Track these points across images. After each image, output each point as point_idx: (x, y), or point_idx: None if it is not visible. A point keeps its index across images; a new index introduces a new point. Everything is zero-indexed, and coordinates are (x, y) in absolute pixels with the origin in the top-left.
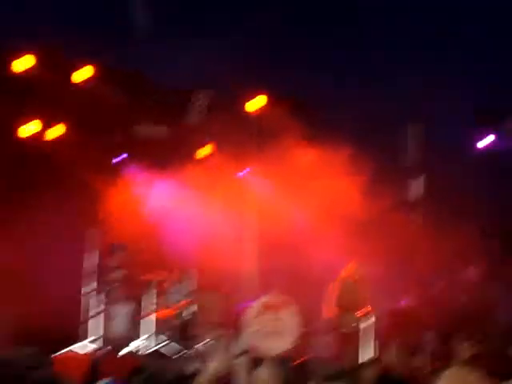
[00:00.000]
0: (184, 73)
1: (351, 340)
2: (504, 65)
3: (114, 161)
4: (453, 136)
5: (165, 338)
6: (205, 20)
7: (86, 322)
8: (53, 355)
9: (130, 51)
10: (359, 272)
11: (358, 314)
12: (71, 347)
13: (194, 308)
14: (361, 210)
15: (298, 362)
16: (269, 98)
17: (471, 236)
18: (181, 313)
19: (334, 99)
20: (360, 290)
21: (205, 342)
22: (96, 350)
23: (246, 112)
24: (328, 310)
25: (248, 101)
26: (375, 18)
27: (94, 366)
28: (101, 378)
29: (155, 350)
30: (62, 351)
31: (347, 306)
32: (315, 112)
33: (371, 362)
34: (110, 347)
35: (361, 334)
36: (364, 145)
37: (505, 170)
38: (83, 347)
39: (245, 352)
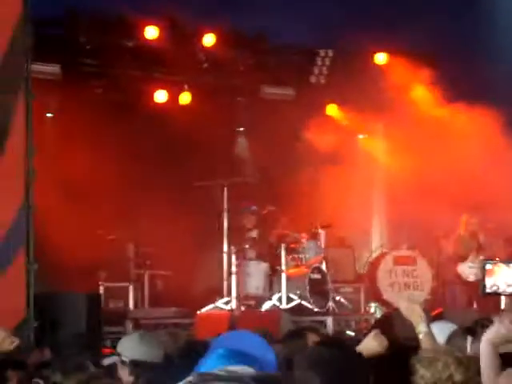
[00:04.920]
0: (306, 32)
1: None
2: None
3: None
4: None
5: (300, 295)
6: None
7: (224, 280)
8: (194, 314)
9: (251, 14)
10: (473, 224)
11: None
12: (211, 306)
13: (325, 265)
14: (484, 161)
15: (434, 313)
16: (391, 52)
17: None
18: (314, 269)
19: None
20: (475, 242)
21: (337, 298)
22: (234, 308)
23: (371, 69)
24: (450, 262)
25: (372, 56)
26: None
27: (233, 323)
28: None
29: (297, 305)
30: (203, 310)
31: (466, 258)
32: (439, 65)
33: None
34: (248, 305)
35: None
36: (489, 96)
37: None
38: (222, 305)
39: None
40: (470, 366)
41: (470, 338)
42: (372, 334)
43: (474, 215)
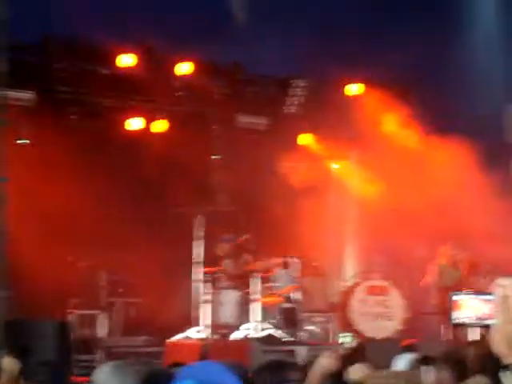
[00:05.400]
0: (281, 62)
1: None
2: None
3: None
4: None
5: (271, 324)
6: (297, 9)
7: (195, 309)
8: (164, 342)
9: (227, 44)
10: (455, 254)
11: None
12: (182, 334)
13: (299, 294)
14: (460, 191)
15: (405, 343)
16: (366, 84)
17: None
18: (286, 299)
19: (433, 83)
20: (457, 273)
21: (310, 327)
22: (206, 337)
23: (345, 99)
24: (430, 293)
25: (345, 87)
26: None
27: (205, 352)
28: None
29: (268, 335)
30: (173, 338)
31: (447, 289)
32: (414, 97)
33: (477, 341)
34: (219, 334)
35: None
36: (463, 126)
37: None
38: (193, 334)
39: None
40: None
41: (425, 368)
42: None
43: (453, 246)
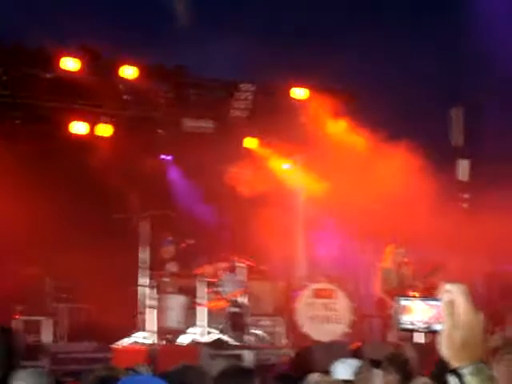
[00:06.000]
0: (227, 66)
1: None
2: None
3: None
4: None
5: (218, 328)
6: (244, 12)
7: (141, 314)
8: (110, 347)
9: (173, 48)
10: (400, 255)
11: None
12: (129, 340)
13: (246, 298)
14: (405, 193)
15: (353, 346)
16: (311, 87)
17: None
18: (233, 303)
19: (376, 86)
20: (402, 275)
21: (257, 331)
22: (153, 342)
23: (291, 103)
24: (376, 295)
25: (291, 91)
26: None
27: (152, 357)
28: (158, 369)
29: (215, 339)
30: (120, 344)
31: (392, 291)
32: (358, 100)
33: (423, 345)
34: (166, 339)
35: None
36: (408, 130)
37: None
38: (140, 339)
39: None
40: None
41: (377, 371)
42: None
43: (398, 247)
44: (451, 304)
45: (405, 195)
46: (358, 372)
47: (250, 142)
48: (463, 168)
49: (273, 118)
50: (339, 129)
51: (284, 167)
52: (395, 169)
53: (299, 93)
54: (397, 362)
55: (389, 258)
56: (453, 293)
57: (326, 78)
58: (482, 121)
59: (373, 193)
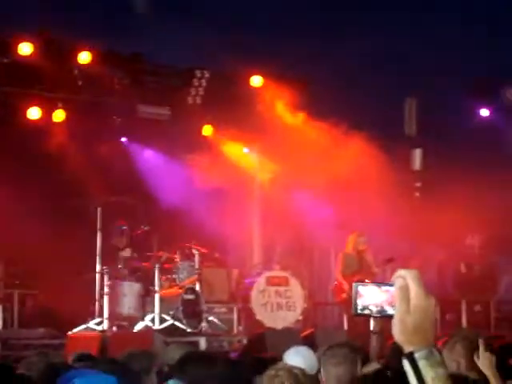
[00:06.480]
0: (184, 54)
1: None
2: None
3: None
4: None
5: (173, 315)
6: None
7: (95, 301)
8: (65, 334)
9: (128, 34)
10: (361, 243)
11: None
12: (83, 326)
13: (200, 285)
14: (362, 181)
15: (305, 333)
16: (266, 75)
17: (470, 206)
18: (188, 290)
19: (331, 74)
20: (362, 261)
21: (211, 318)
22: (106, 329)
23: (248, 90)
24: (334, 281)
25: (247, 78)
26: None
27: (105, 343)
28: (111, 356)
29: (169, 326)
30: (74, 330)
31: (351, 277)
32: (313, 88)
33: (378, 331)
34: (120, 325)
35: None
36: (364, 118)
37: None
38: (94, 326)
39: None
40: (306, 381)
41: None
42: None
43: (361, 234)
44: (404, 289)
45: (359, 184)
46: (308, 360)
47: (208, 130)
48: (416, 157)
49: (228, 104)
50: (294, 117)
51: (240, 154)
52: (350, 157)
53: (255, 80)
54: (353, 349)
55: (350, 244)
56: (405, 278)
57: (281, 65)
58: (434, 110)
59: (328, 180)
